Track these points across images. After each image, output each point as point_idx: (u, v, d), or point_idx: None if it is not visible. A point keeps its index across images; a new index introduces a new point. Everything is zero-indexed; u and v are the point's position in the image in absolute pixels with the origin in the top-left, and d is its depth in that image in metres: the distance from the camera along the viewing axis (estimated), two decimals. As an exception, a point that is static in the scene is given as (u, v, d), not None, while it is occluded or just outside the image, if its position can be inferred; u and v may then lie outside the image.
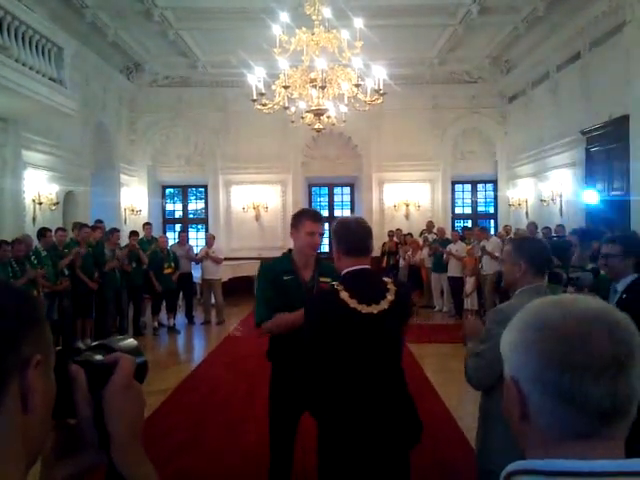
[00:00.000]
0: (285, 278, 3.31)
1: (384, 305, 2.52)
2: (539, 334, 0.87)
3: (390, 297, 2.55)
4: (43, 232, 8.64)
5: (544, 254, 2.77)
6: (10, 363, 0.77)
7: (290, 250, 3.50)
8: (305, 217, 3.39)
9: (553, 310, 0.89)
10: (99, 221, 10.84)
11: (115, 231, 10.33)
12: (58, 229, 9.16)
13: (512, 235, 11.97)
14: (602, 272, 4.16)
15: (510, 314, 0.99)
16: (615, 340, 0.84)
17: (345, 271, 2.62)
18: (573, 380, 0.83)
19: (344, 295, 2.49)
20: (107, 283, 9.55)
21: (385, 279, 2.66)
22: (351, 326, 2.48)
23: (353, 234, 2.64)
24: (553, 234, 10.68)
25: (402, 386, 2.67)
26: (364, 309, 2.48)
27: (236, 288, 13.66)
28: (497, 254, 11.53)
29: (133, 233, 11.05)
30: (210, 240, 12.18)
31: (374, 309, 2.49)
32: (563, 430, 0.86)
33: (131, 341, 0.99)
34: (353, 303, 2.47)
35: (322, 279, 3.35)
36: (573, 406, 0.84)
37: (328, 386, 2.55)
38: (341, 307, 2.47)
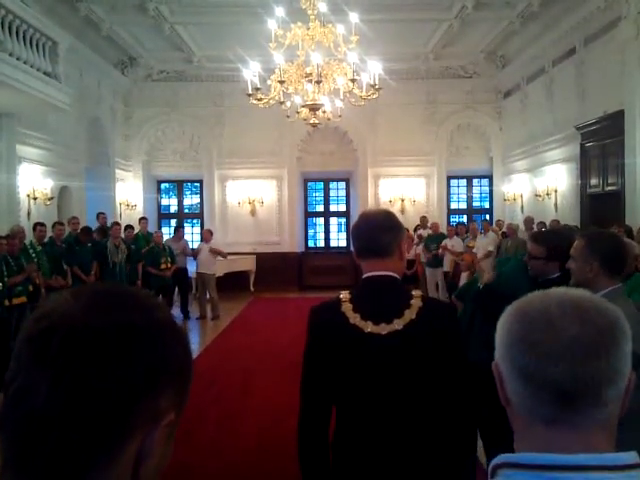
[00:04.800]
0: None
1: (397, 325, 1.92)
2: (512, 316, 0.90)
3: (409, 315, 1.94)
4: (34, 226, 8.68)
5: (620, 253, 2.58)
6: (142, 412, 0.64)
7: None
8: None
9: (535, 297, 0.91)
10: (97, 220, 10.91)
11: (115, 224, 10.44)
12: (56, 223, 9.19)
13: (504, 229, 12.07)
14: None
15: None
16: (585, 324, 0.83)
17: (362, 277, 2.10)
18: (532, 358, 0.84)
19: (346, 307, 1.98)
20: (107, 278, 9.56)
21: (413, 292, 2.03)
22: (349, 347, 1.95)
23: (357, 229, 2.11)
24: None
25: (445, 442, 1.97)
26: (368, 327, 1.93)
27: (231, 283, 13.67)
28: (491, 249, 11.63)
29: (129, 227, 11.14)
30: (207, 235, 12.15)
31: (382, 329, 1.92)
32: (530, 413, 0.87)
33: None
34: (355, 318, 1.95)
35: None
36: (534, 386, 0.84)
37: (323, 422, 2.05)
38: (340, 321, 1.96)
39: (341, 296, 2.04)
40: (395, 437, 1.94)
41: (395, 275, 2.05)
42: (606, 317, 0.85)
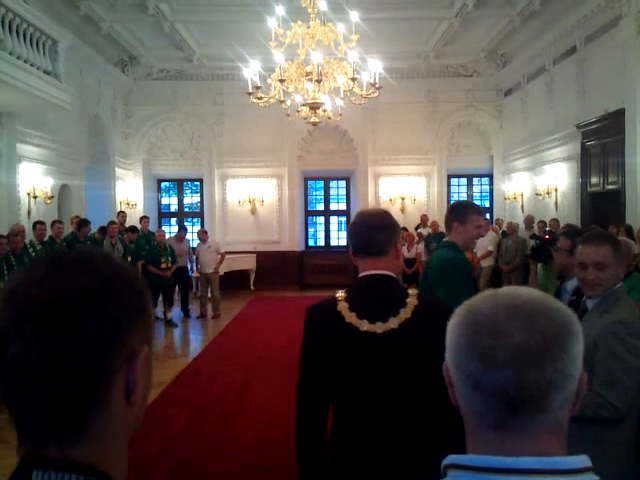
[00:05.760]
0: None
1: (393, 324, 1.94)
2: (461, 318, 0.87)
3: (405, 314, 1.95)
4: (34, 225, 8.68)
5: None
6: (119, 353, 0.75)
7: (453, 243, 3.40)
8: (473, 211, 3.41)
9: (486, 298, 0.88)
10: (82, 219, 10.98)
11: (112, 223, 10.44)
12: (55, 222, 9.18)
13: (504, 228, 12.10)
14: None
15: None
16: (531, 330, 0.81)
17: (358, 276, 2.11)
18: (479, 366, 0.82)
19: (342, 306, 1.99)
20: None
21: (409, 291, 2.05)
22: (345, 346, 1.96)
23: (354, 227, 2.13)
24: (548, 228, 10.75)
25: (432, 442, 1.94)
26: (364, 326, 1.94)
27: (231, 282, 13.67)
28: (491, 248, 11.65)
29: (133, 229, 11.18)
30: (203, 236, 12.08)
31: (378, 328, 1.93)
32: (479, 417, 0.85)
33: None
34: (350, 317, 1.96)
35: None
36: (481, 393, 0.83)
37: (320, 420, 2.06)
38: (336, 320, 1.97)
39: (337, 295, 2.05)
40: (392, 435, 1.94)
41: (391, 274, 2.06)
42: (554, 320, 0.83)
